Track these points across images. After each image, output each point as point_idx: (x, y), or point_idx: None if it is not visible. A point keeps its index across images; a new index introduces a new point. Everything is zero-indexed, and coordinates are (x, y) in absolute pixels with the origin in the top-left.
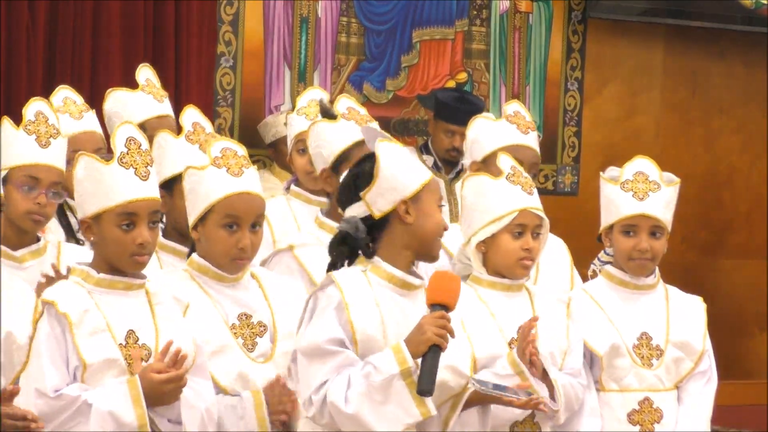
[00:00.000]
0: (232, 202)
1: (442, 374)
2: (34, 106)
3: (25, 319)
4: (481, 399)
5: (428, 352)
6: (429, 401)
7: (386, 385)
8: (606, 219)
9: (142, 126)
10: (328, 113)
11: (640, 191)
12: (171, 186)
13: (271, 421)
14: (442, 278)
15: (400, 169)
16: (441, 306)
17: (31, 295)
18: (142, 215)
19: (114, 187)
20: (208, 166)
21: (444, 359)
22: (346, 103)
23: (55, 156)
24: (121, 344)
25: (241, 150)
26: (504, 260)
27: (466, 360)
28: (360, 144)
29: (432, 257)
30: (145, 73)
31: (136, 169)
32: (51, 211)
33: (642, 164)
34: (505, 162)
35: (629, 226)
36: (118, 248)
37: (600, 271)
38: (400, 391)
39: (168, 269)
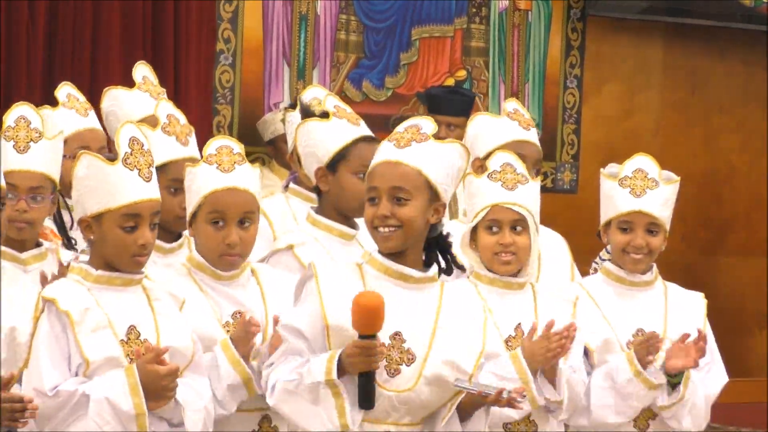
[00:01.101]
0: (218, 197)
1: (440, 369)
2: (16, 112)
3: (27, 316)
4: (472, 400)
5: (360, 376)
6: (351, 417)
7: (314, 389)
8: (604, 215)
9: None
10: (310, 113)
11: (637, 188)
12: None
13: (243, 356)
14: (359, 309)
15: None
16: (366, 336)
17: (34, 293)
18: (145, 216)
19: (119, 188)
20: (201, 163)
21: (443, 354)
22: (332, 101)
23: (33, 160)
24: (122, 340)
25: (238, 147)
26: (483, 255)
27: (471, 356)
28: (357, 142)
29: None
30: (141, 71)
31: (140, 170)
32: (35, 216)
33: (642, 161)
34: (497, 159)
35: (625, 223)
36: (119, 249)
37: (600, 268)
38: (327, 399)
39: (162, 264)
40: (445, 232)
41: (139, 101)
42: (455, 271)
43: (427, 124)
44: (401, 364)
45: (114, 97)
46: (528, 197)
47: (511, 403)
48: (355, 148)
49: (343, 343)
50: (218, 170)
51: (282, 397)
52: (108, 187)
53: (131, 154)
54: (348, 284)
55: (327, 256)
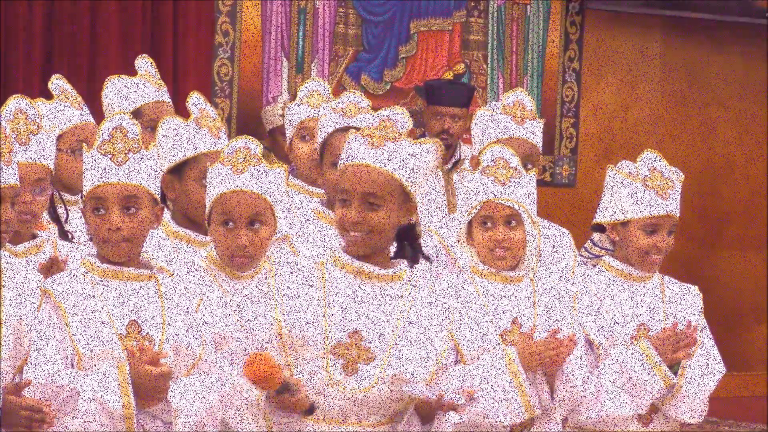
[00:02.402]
0: (226, 199)
1: (400, 368)
2: (13, 105)
3: (32, 310)
4: (427, 402)
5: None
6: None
7: (245, 406)
8: (622, 213)
9: (139, 111)
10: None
11: (661, 189)
12: (181, 171)
13: None
14: (250, 375)
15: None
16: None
17: (38, 285)
18: (111, 200)
19: (88, 174)
20: (218, 163)
21: (404, 353)
22: (345, 96)
23: (35, 153)
24: (120, 334)
25: (256, 148)
26: (478, 251)
27: (431, 355)
28: (337, 132)
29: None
30: (144, 63)
31: (113, 155)
32: (38, 208)
33: (653, 159)
34: (490, 154)
35: (653, 225)
36: (94, 235)
37: (601, 261)
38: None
39: (185, 259)
40: (413, 221)
41: (141, 88)
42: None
43: (402, 120)
44: (359, 363)
45: (115, 84)
46: (521, 191)
47: (452, 407)
48: (330, 139)
49: (303, 340)
50: (230, 171)
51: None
52: (84, 175)
53: (109, 141)
54: (307, 283)
55: (320, 248)
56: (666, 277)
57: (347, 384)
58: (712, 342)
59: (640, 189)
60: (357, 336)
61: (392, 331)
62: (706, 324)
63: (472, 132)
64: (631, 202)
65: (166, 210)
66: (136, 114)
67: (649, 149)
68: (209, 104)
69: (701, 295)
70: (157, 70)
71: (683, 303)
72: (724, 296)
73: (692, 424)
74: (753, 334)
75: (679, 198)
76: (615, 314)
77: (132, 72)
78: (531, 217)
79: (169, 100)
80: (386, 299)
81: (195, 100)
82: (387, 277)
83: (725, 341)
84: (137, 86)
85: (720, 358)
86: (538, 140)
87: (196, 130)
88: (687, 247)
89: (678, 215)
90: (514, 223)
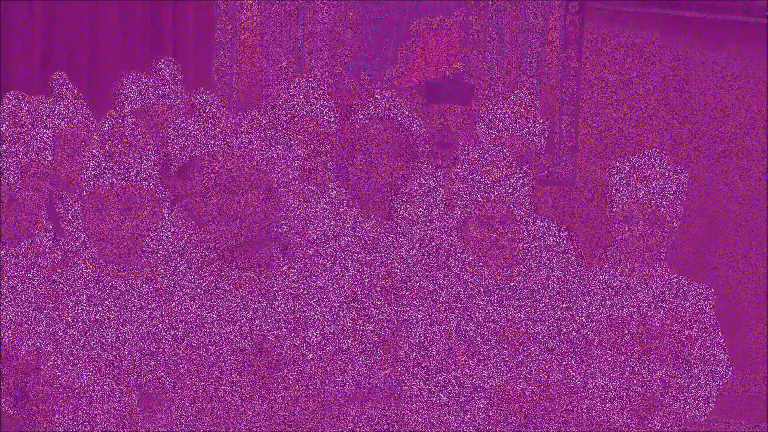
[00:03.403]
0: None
1: (306, 389)
2: (12, 102)
3: (33, 307)
4: None
5: None
6: None
7: None
8: (608, 208)
9: (144, 110)
10: None
11: (639, 180)
12: (186, 171)
13: None
14: None
15: None
16: None
17: (39, 283)
18: (111, 199)
19: (87, 173)
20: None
21: (303, 369)
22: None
23: (36, 150)
24: None
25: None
26: (474, 250)
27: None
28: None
29: None
30: (165, 65)
31: (112, 154)
32: (38, 206)
33: (649, 155)
34: (485, 152)
35: (625, 214)
36: (95, 234)
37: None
38: None
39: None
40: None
41: (148, 89)
42: None
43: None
44: (275, 373)
45: (128, 82)
46: (516, 190)
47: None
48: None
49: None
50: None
51: None
52: (83, 173)
53: (108, 140)
54: (195, 307)
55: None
56: (676, 276)
57: (268, 398)
58: (721, 341)
59: (618, 180)
60: (264, 345)
61: (295, 326)
62: (717, 324)
63: (477, 130)
64: (610, 194)
65: (166, 210)
66: (141, 112)
67: (649, 147)
68: (215, 102)
69: (713, 292)
70: (181, 75)
71: (689, 301)
72: (723, 295)
73: (694, 422)
74: (752, 333)
75: (669, 191)
76: (619, 311)
77: (130, 70)
78: (526, 215)
79: (181, 104)
80: (277, 295)
81: (200, 98)
82: (269, 273)
83: (725, 340)
84: (146, 85)
85: (728, 358)
86: (539, 140)
87: (203, 129)
88: (686, 246)
89: (659, 206)
90: (509, 222)
